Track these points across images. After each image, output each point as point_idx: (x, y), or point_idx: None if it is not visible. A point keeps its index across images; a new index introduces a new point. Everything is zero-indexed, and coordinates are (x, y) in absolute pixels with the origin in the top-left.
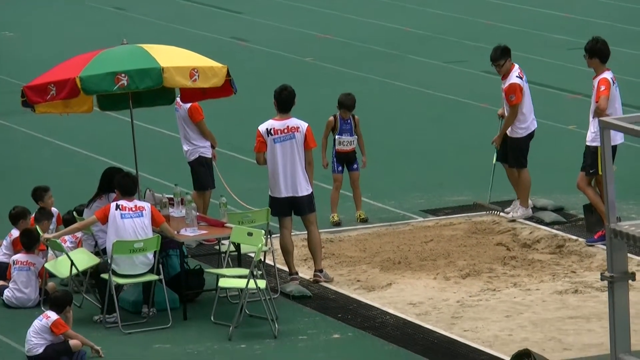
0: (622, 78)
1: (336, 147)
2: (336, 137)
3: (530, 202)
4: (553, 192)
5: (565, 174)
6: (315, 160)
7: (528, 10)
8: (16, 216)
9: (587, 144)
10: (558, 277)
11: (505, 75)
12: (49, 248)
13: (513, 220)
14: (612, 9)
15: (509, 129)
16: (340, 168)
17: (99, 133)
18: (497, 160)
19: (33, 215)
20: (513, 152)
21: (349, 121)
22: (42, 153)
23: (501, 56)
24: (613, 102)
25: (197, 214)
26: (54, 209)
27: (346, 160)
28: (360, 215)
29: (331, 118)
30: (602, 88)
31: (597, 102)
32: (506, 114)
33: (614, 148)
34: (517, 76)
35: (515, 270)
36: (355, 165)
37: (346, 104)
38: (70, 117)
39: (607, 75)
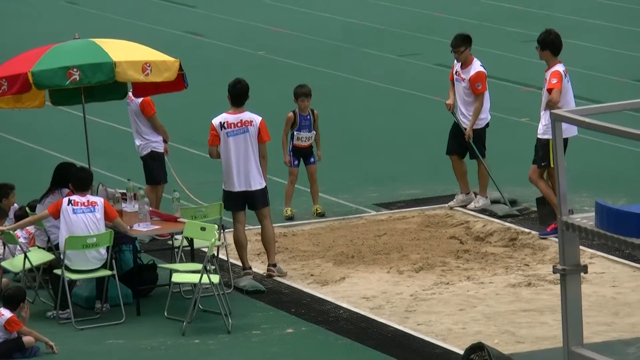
0: (575, 70)
1: (294, 142)
2: (295, 132)
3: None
4: (506, 185)
5: (518, 166)
6: (273, 156)
7: (481, 3)
8: None
9: (539, 136)
10: (511, 270)
11: (465, 64)
12: (2, 242)
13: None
14: (564, 1)
15: (458, 120)
16: (296, 162)
17: (51, 128)
18: (448, 152)
19: None
20: (475, 143)
21: (308, 117)
22: None
23: (461, 43)
24: (565, 94)
25: (150, 208)
26: (15, 205)
27: (302, 154)
28: (317, 210)
29: (290, 114)
30: (554, 81)
31: (549, 94)
32: (462, 104)
33: (566, 141)
34: (481, 65)
35: (469, 263)
36: (312, 159)
37: (302, 91)
38: (22, 112)
39: (559, 67)
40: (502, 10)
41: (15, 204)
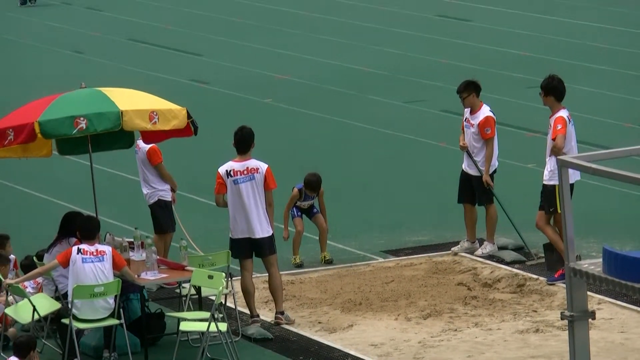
0: (579, 115)
1: (296, 203)
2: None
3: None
4: (513, 231)
5: (525, 212)
6: (279, 204)
7: (485, 49)
8: None
9: (544, 182)
10: (519, 316)
11: (474, 110)
12: (9, 293)
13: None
14: (569, 46)
15: (476, 167)
16: (299, 213)
17: (58, 177)
18: (460, 201)
19: None
20: (482, 189)
21: (313, 196)
22: (1, 197)
23: (464, 89)
24: (569, 140)
25: (158, 257)
26: (11, 256)
27: (304, 211)
28: (325, 257)
29: (296, 191)
30: (559, 127)
31: (553, 140)
32: (471, 150)
33: (572, 186)
34: (490, 110)
35: (477, 310)
36: (315, 210)
37: (311, 185)
38: (30, 161)
39: (563, 113)
40: (507, 56)
41: (12, 255)
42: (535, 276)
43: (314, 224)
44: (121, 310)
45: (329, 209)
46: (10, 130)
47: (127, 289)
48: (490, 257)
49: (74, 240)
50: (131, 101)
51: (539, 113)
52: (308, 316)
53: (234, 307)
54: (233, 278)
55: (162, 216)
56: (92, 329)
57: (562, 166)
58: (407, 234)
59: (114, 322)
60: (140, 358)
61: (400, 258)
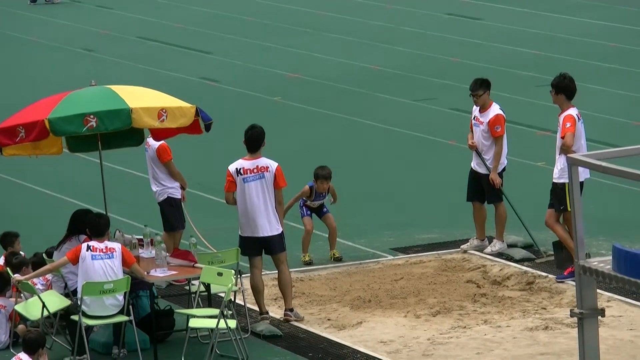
0: (589, 114)
1: (305, 203)
2: (307, 200)
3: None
4: (522, 229)
5: (535, 210)
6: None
7: (496, 47)
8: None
9: (554, 180)
10: (528, 314)
11: (484, 108)
12: (19, 290)
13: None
14: (579, 45)
15: (485, 165)
16: (309, 212)
17: (68, 175)
18: (469, 199)
19: (3, 258)
20: (491, 188)
21: (323, 194)
22: (11, 195)
23: (479, 87)
24: (579, 138)
25: (167, 254)
26: (20, 253)
27: (314, 210)
28: (334, 254)
29: (307, 188)
30: (568, 125)
31: (562, 138)
32: (480, 148)
33: (581, 184)
34: (500, 108)
35: (486, 307)
36: (324, 209)
37: (322, 174)
38: (40, 159)
39: (573, 111)
40: (517, 55)
41: (21, 252)
42: (544, 274)
43: (323, 223)
44: (130, 307)
45: (339, 207)
46: (21, 127)
47: (137, 286)
48: (499, 254)
49: (83, 237)
50: (141, 99)
51: (549, 111)
52: (317, 313)
53: (243, 304)
54: (242, 275)
55: (171, 214)
56: (101, 325)
57: (572, 164)
58: (417, 232)
59: (123, 318)
60: (150, 355)
61: (410, 256)
